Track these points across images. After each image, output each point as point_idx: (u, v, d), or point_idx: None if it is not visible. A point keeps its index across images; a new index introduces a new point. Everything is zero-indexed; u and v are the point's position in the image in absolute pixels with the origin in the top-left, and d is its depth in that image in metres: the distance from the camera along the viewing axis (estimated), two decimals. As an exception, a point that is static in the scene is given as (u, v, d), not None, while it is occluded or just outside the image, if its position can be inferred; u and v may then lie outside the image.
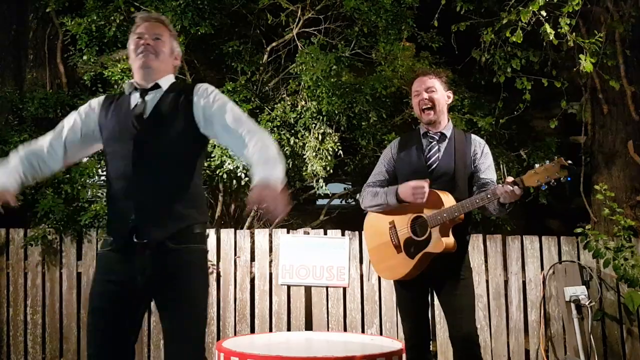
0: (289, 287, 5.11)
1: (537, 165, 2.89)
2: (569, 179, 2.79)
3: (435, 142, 3.31)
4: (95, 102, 2.70)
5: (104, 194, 5.48)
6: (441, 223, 3.11)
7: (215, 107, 2.55)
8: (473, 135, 3.40)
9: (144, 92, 2.60)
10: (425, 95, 3.28)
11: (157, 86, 2.61)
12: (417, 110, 3.34)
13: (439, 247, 3.12)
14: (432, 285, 3.36)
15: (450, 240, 3.14)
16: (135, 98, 2.61)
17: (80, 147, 2.71)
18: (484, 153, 3.31)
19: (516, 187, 2.90)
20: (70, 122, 2.68)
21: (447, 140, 3.31)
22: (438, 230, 3.13)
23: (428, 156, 3.30)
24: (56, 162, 2.68)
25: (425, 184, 3.10)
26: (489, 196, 3.01)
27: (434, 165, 3.26)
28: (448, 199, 3.14)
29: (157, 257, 2.45)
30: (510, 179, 2.94)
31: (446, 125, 3.35)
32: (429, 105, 3.28)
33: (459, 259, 3.27)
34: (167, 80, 2.65)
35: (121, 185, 2.51)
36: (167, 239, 2.46)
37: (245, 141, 2.46)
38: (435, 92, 3.30)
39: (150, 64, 2.59)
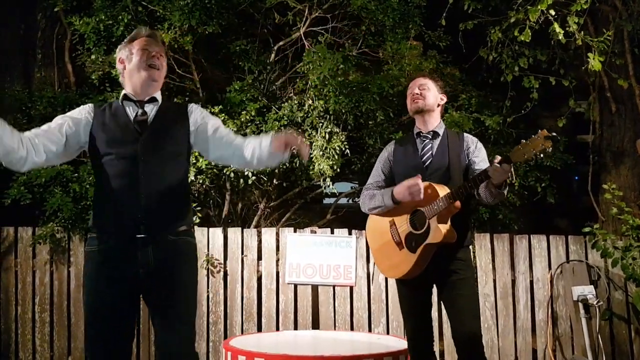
0: (295, 286, 5.11)
1: (523, 141, 2.92)
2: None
3: (428, 140, 3.42)
4: (85, 111, 2.76)
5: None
6: (438, 213, 3.15)
7: (209, 121, 2.82)
8: (466, 134, 3.51)
9: (141, 103, 2.76)
10: (417, 90, 3.42)
11: (154, 99, 2.79)
12: (409, 104, 3.46)
13: (438, 236, 3.15)
14: (434, 284, 3.39)
15: (448, 228, 3.17)
16: (133, 108, 2.76)
17: (58, 152, 2.69)
18: (477, 148, 3.40)
19: (504, 164, 2.92)
20: (59, 123, 2.71)
21: (439, 138, 3.41)
22: (436, 220, 3.16)
23: (422, 153, 3.39)
24: (30, 158, 2.58)
25: (418, 180, 3.15)
26: (479, 178, 3.05)
27: (429, 161, 3.36)
28: (444, 191, 3.18)
29: (158, 249, 2.63)
30: (497, 157, 2.97)
31: (438, 125, 3.45)
32: (419, 98, 3.40)
33: (461, 257, 3.29)
34: (160, 95, 2.83)
35: (125, 183, 2.64)
36: (169, 233, 2.66)
37: (243, 143, 2.75)
38: (426, 90, 3.42)
39: (157, 78, 2.77)
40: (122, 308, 2.64)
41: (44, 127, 2.68)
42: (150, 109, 2.77)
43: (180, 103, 2.91)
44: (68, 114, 2.77)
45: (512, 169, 2.97)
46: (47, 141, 2.63)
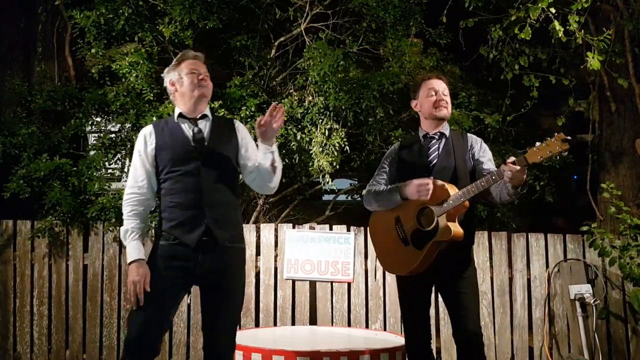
0: (293, 281, 5.12)
1: (538, 143, 2.92)
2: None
3: (435, 141, 3.43)
4: (147, 139, 3.09)
5: (109, 187, 5.53)
6: (447, 211, 3.15)
7: (250, 141, 3.19)
8: (469, 134, 3.53)
9: (194, 121, 3.09)
10: (444, 97, 3.42)
11: (204, 116, 3.12)
12: (430, 107, 3.42)
13: (447, 234, 3.15)
14: (436, 283, 3.40)
15: (457, 227, 3.18)
16: (188, 125, 3.09)
17: (154, 180, 3.11)
18: (482, 148, 3.43)
19: (522, 166, 2.93)
20: (140, 166, 3.08)
21: (445, 139, 3.43)
22: (445, 218, 3.17)
23: (429, 153, 3.40)
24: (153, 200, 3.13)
25: (429, 181, 3.16)
26: (493, 177, 3.05)
27: (435, 162, 3.36)
28: (453, 190, 3.19)
29: (217, 253, 2.99)
30: (511, 158, 2.97)
31: (444, 126, 3.47)
32: (446, 106, 3.42)
33: (464, 256, 3.31)
34: (209, 111, 3.16)
35: (192, 197, 2.99)
36: (227, 239, 3.01)
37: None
38: (448, 95, 3.46)
39: (207, 95, 3.11)
40: (171, 295, 2.99)
41: (135, 180, 3.06)
42: (204, 126, 3.09)
43: (226, 118, 3.37)
44: (137, 147, 3.09)
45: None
46: (150, 185, 3.07)
